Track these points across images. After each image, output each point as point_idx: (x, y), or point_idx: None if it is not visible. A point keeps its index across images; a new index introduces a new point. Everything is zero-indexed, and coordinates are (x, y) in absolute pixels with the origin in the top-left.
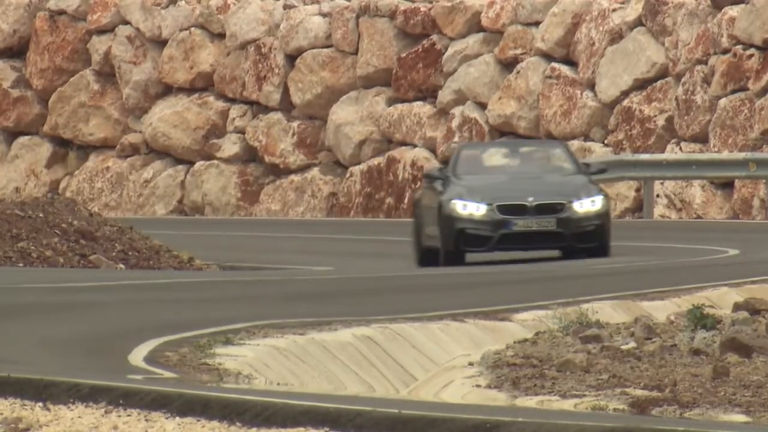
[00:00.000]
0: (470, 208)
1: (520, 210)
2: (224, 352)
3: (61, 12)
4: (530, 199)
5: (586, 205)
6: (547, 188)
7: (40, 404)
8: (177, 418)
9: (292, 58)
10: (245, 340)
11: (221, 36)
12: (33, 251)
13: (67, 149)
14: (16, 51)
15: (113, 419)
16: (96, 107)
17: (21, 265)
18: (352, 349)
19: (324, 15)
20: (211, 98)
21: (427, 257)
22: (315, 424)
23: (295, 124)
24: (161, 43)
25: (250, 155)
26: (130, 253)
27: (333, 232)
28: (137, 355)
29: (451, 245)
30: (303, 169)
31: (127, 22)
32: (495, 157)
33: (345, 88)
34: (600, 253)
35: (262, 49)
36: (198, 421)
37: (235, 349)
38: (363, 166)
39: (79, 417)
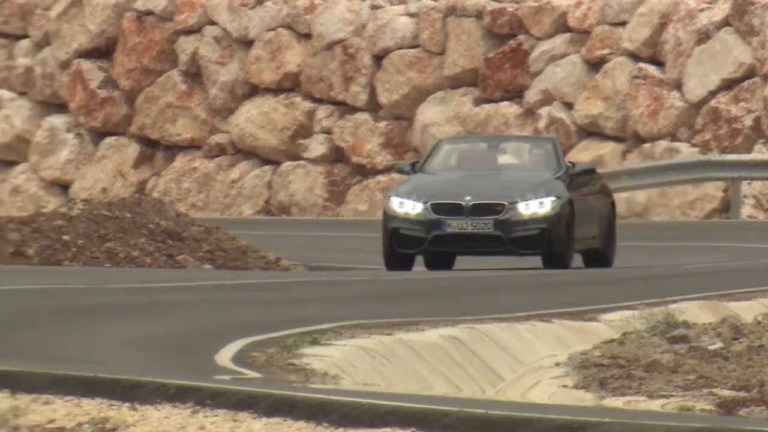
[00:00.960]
0: (406, 207)
1: (455, 210)
2: (311, 353)
3: (148, 12)
4: (467, 198)
5: (533, 207)
6: (494, 187)
7: (128, 404)
8: (264, 419)
9: (378, 59)
10: (332, 341)
11: (308, 36)
12: (120, 251)
13: (154, 150)
14: (104, 51)
15: (200, 419)
16: (183, 108)
17: (108, 265)
18: (438, 350)
19: (411, 15)
20: (298, 99)
21: (394, 259)
22: (401, 424)
23: (381, 124)
24: (248, 43)
25: (336, 156)
26: (217, 253)
27: None
28: (224, 356)
29: (387, 246)
30: (389, 169)
31: (214, 23)
32: (472, 152)
33: (432, 88)
34: (555, 263)
35: (349, 50)
36: (284, 421)
37: (322, 350)
38: None
39: (166, 417)
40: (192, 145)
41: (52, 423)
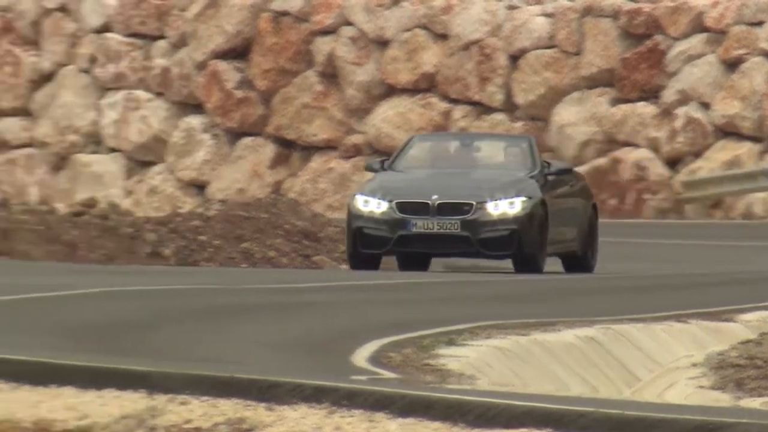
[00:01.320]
0: (371, 205)
1: (421, 209)
2: (447, 353)
3: (285, 13)
4: (434, 197)
5: (502, 207)
6: (462, 186)
7: (264, 405)
8: (399, 419)
9: (515, 59)
10: (468, 341)
11: (444, 37)
12: (257, 252)
13: (291, 150)
14: (240, 52)
15: (336, 420)
16: (319, 108)
17: (245, 265)
18: (575, 350)
19: (547, 15)
20: (435, 99)
21: (357, 260)
22: (537, 424)
23: (518, 124)
24: (384, 43)
25: None
26: None
27: None
28: (360, 356)
29: (350, 246)
30: None
31: (350, 23)
32: (444, 150)
33: (568, 88)
34: (526, 265)
35: (486, 50)
36: (420, 421)
37: (458, 350)
38: (586, 167)
39: (303, 418)
40: (328, 146)
41: (188, 423)
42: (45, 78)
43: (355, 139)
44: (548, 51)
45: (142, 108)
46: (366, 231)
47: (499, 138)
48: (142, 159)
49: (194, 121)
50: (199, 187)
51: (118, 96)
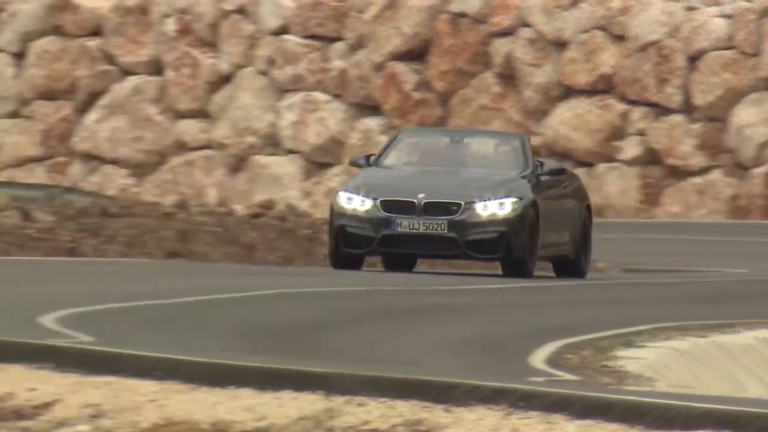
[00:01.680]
0: (355, 203)
1: (406, 208)
2: (625, 355)
3: (463, 15)
4: (420, 196)
5: (492, 208)
6: (450, 184)
7: (441, 406)
8: (577, 421)
9: (693, 60)
10: (646, 343)
11: (622, 38)
12: None
13: None
14: (418, 54)
15: (513, 421)
16: (497, 110)
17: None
18: (753, 352)
19: (726, 16)
20: (613, 100)
21: (339, 259)
22: (716, 426)
23: (696, 126)
24: (562, 45)
25: (651, 157)
26: None
27: (733, 235)
28: (537, 357)
29: (332, 245)
30: (704, 171)
31: (528, 25)
32: (432, 146)
33: (746, 89)
34: (515, 270)
35: (664, 51)
36: (598, 423)
37: (637, 352)
38: (765, 168)
39: (480, 419)
40: None
41: (366, 425)
42: (223, 80)
43: (533, 140)
44: (727, 52)
45: (320, 109)
46: (349, 229)
47: (490, 135)
48: (319, 160)
49: (372, 122)
50: None
51: (296, 98)
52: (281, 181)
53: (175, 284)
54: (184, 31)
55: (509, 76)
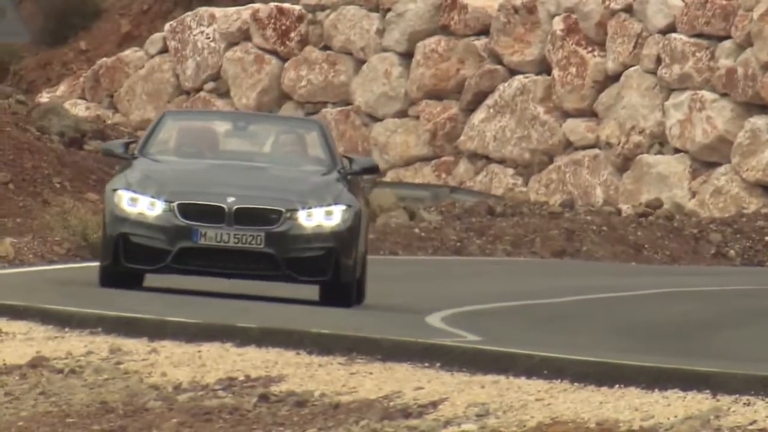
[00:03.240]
0: (141, 205)
1: (213, 215)
2: None
3: None
4: (230, 200)
5: (318, 218)
6: (264, 186)
7: None
8: None
9: None
10: None
11: None
12: None
13: None
14: None
15: None
16: None
17: None
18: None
19: None
20: None
21: (114, 276)
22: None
23: None
24: None
25: None
26: None
27: None
28: None
29: (107, 257)
30: None
31: None
32: (208, 133)
33: None
34: (337, 296)
35: None
36: None
37: None
38: None
39: None
40: None
41: (753, 425)
42: (610, 79)
43: None
44: None
45: (707, 109)
46: (134, 239)
47: (279, 121)
48: (706, 160)
49: (759, 121)
50: (764, 188)
51: (683, 96)
52: (668, 181)
53: (560, 283)
54: (571, 30)
55: None
